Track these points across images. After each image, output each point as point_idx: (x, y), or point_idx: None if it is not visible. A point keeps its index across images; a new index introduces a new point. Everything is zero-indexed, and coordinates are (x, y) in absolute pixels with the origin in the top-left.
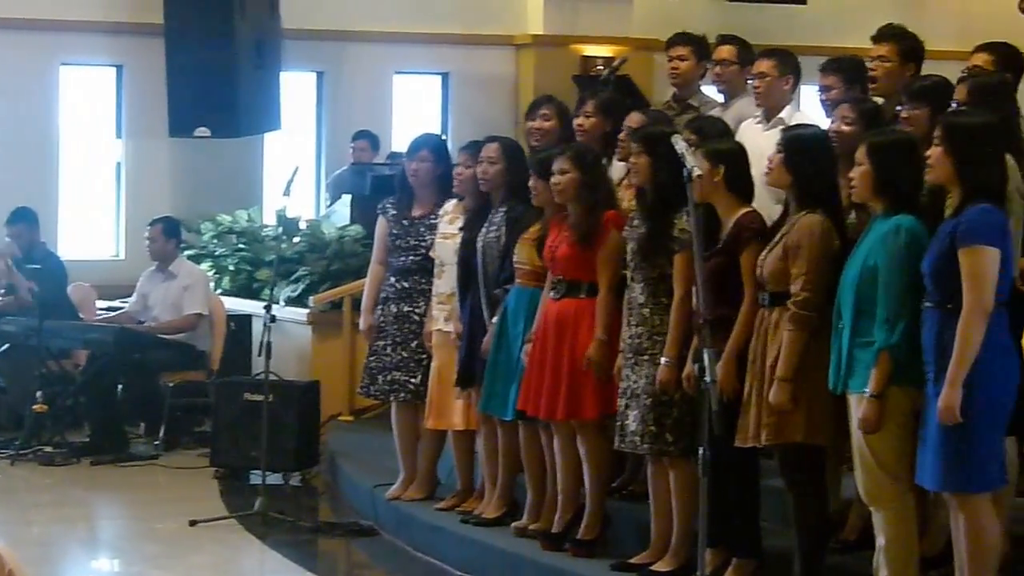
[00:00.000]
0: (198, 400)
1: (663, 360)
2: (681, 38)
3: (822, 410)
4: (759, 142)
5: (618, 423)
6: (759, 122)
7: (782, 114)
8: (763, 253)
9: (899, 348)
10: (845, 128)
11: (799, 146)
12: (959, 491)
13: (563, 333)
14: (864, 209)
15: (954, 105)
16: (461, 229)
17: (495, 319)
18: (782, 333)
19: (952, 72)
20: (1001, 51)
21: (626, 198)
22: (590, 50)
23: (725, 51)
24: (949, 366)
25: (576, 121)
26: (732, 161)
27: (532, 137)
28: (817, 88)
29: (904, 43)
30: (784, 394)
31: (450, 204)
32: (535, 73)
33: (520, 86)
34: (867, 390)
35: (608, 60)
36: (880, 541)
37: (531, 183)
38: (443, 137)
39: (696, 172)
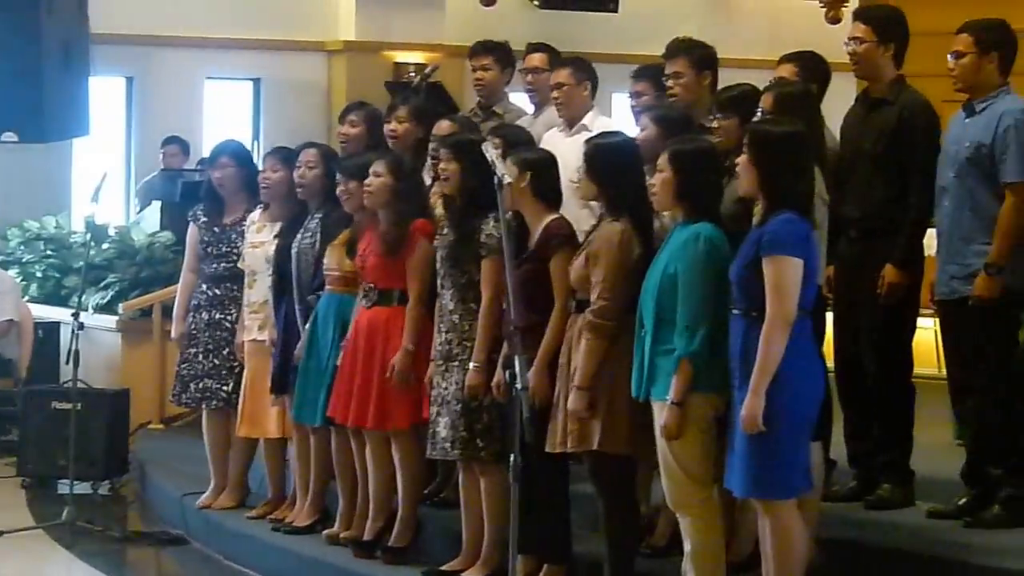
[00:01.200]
0: (5, 409)
1: (472, 365)
2: (484, 47)
3: (621, 418)
4: (562, 149)
5: (430, 430)
6: (562, 129)
7: (584, 120)
8: (572, 259)
9: (699, 355)
10: (651, 135)
11: (602, 156)
12: (766, 497)
13: (374, 341)
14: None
15: (760, 114)
16: (276, 237)
17: (307, 326)
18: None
19: (761, 80)
20: (807, 61)
21: (436, 206)
22: (402, 57)
23: (536, 59)
24: (752, 373)
25: (389, 127)
26: (540, 169)
27: (341, 142)
28: (628, 95)
29: (695, 54)
30: (581, 402)
31: (256, 213)
32: (347, 79)
33: (332, 92)
34: (668, 397)
35: (420, 67)
36: (688, 546)
37: (341, 187)
38: (255, 142)
39: (507, 179)
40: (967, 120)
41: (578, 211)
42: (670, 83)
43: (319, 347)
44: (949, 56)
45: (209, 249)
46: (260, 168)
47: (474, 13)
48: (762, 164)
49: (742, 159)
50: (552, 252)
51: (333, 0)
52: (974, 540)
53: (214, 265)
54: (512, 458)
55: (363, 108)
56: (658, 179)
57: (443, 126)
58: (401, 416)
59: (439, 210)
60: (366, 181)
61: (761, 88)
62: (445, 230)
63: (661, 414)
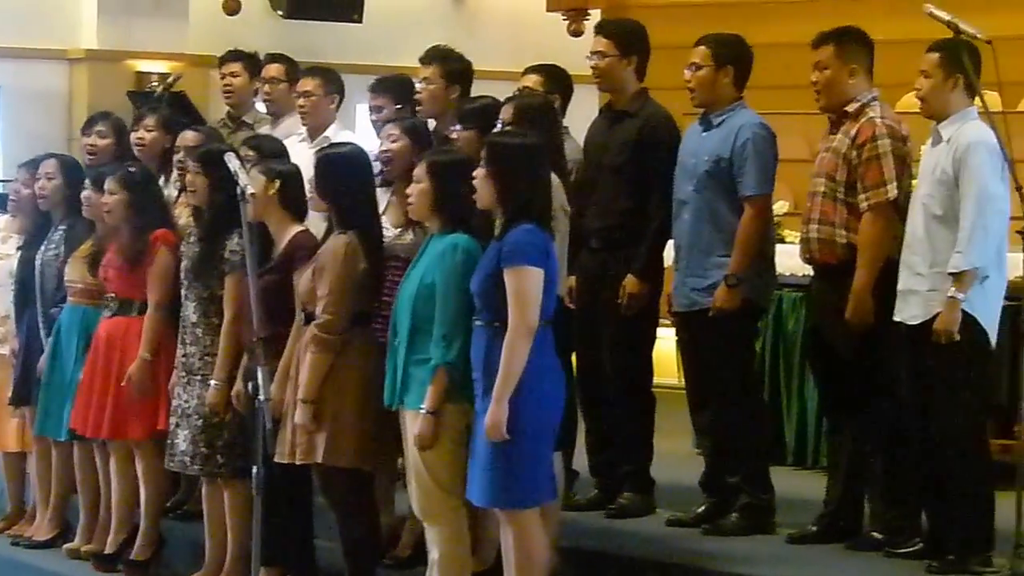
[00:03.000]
0: None
1: (213, 382)
2: (233, 55)
3: (347, 431)
4: (304, 160)
5: (169, 441)
6: (303, 140)
7: (327, 132)
8: (301, 271)
9: (455, 365)
10: (393, 146)
11: (331, 167)
12: (509, 507)
13: (112, 351)
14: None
15: (499, 126)
16: (19, 248)
17: (50, 338)
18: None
19: (505, 91)
20: (550, 73)
21: (183, 215)
22: (145, 66)
23: (273, 69)
24: (495, 383)
25: (136, 135)
26: (288, 180)
27: (87, 153)
28: (368, 108)
29: (449, 65)
30: (306, 415)
31: (0, 222)
32: (89, 88)
33: (73, 101)
34: (423, 407)
35: (163, 76)
36: (433, 556)
37: (83, 196)
38: None
39: (250, 190)
40: (704, 133)
41: (319, 224)
42: (419, 87)
43: (63, 359)
44: (686, 69)
45: None
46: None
47: (217, 22)
48: (499, 176)
49: (480, 171)
50: (296, 264)
51: (74, 8)
52: (712, 547)
53: None
54: (254, 470)
55: (108, 118)
56: (415, 189)
57: (188, 136)
58: (137, 426)
59: (183, 220)
60: (102, 200)
61: (503, 100)
62: (192, 239)
63: (414, 423)
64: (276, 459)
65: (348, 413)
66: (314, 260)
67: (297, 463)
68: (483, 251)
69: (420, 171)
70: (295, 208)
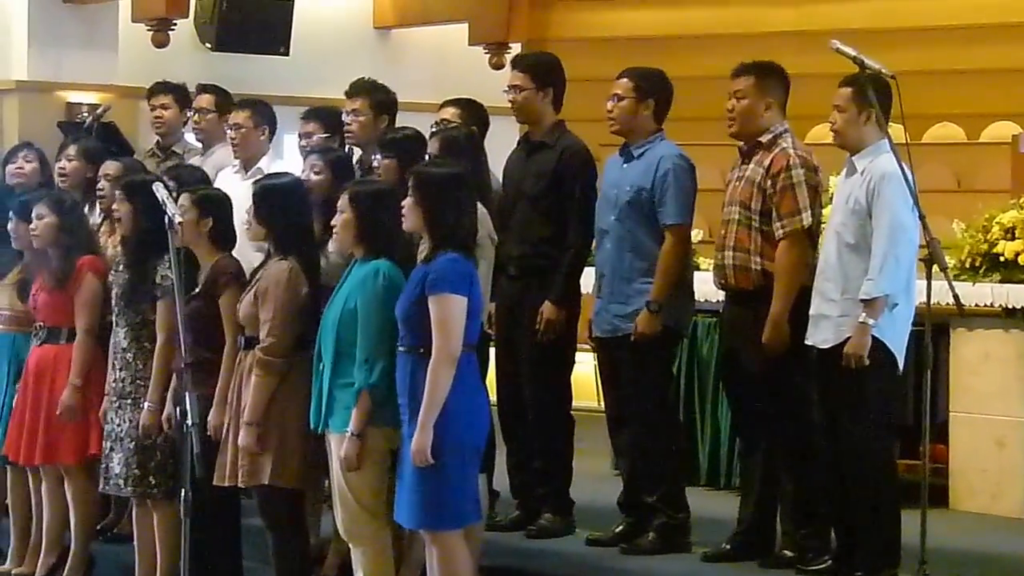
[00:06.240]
0: None
1: (146, 404)
2: (162, 87)
3: (293, 453)
4: (238, 192)
5: (103, 465)
6: (237, 171)
7: (260, 164)
8: (241, 297)
9: (378, 389)
10: (315, 177)
11: (269, 196)
12: (435, 529)
13: (42, 378)
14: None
15: (428, 157)
16: None
17: None
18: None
19: (427, 122)
20: (467, 105)
21: (110, 245)
22: (75, 96)
23: (204, 100)
24: (420, 409)
25: (59, 165)
26: (215, 208)
27: (11, 181)
28: (297, 136)
29: (376, 96)
30: (251, 437)
31: None
32: (19, 118)
33: (3, 132)
34: (348, 429)
35: (93, 107)
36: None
37: (11, 227)
38: None
39: (177, 218)
40: (625, 165)
41: (252, 253)
42: (348, 119)
43: None
44: (608, 100)
45: None
46: None
47: (147, 54)
48: (426, 204)
49: (408, 200)
50: (220, 290)
51: (5, 39)
52: (630, 566)
53: None
54: (183, 493)
55: (31, 148)
56: (339, 220)
57: (110, 166)
58: (69, 451)
59: (111, 250)
60: (31, 224)
61: (424, 131)
62: (121, 267)
63: (339, 446)
64: (215, 483)
65: (293, 435)
66: (253, 285)
67: (240, 486)
68: (407, 276)
69: (343, 202)
70: (223, 236)
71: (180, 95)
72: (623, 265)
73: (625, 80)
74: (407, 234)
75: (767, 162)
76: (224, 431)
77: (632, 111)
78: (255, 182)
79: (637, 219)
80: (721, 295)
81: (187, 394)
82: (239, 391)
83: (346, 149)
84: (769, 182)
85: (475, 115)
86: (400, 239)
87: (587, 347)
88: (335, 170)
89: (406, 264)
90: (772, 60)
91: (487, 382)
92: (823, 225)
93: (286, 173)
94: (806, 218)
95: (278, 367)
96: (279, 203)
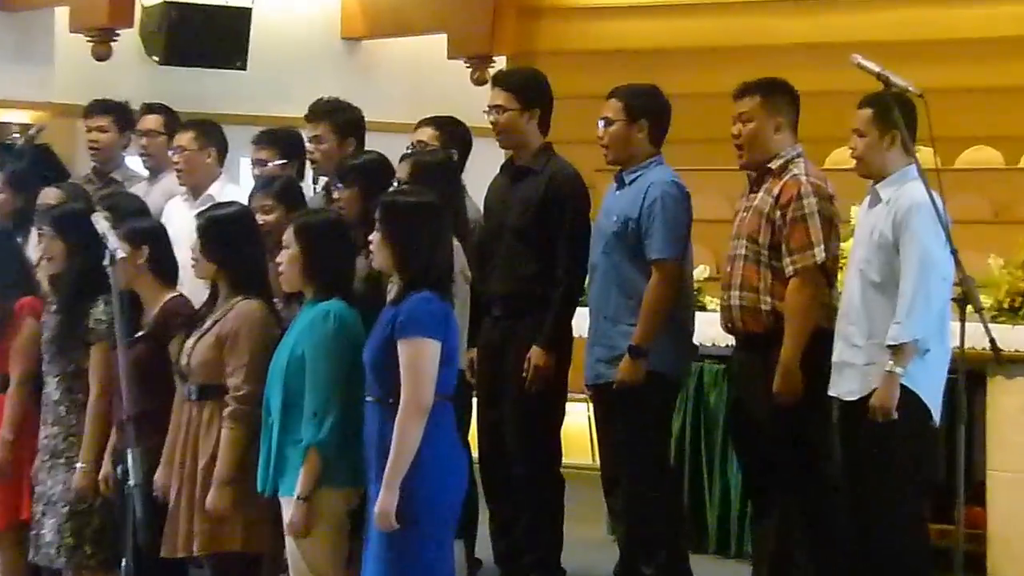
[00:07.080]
0: None
1: (79, 465)
2: (100, 107)
3: (260, 514)
4: (186, 222)
5: (33, 532)
6: (186, 199)
7: (210, 190)
8: (190, 341)
9: (328, 445)
10: (266, 218)
11: (217, 229)
12: None
13: None
14: None
15: (396, 184)
16: None
17: None
18: (216, 431)
19: (402, 144)
20: (446, 125)
21: (44, 282)
22: (5, 115)
23: (151, 121)
24: (387, 466)
25: None
26: (154, 241)
27: None
28: (251, 162)
29: (338, 117)
30: (225, 498)
31: None
32: None
33: None
34: (295, 492)
35: (25, 127)
36: None
37: None
38: None
39: (120, 254)
40: (617, 192)
41: (194, 287)
42: (311, 147)
43: None
44: (599, 123)
45: None
46: None
47: (86, 69)
48: (395, 238)
49: (375, 234)
50: (172, 334)
51: None
52: None
53: None
54: (124, 564)
55: None
56: (284, 256)
57: (49, 195)
58: None
59: (46, 287)
60: None
61: (393, 155)
62: (53, 308)
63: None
64: (164, 554)
65: (259, 493)
66: (209, 327)
67: (196, 554)
68: (368, 317)
69: (288, 236)
70: (165, 272)
71: (120, 115)
72: (608, 304)
73: (614, 101)
74: (376, 272)
75: (776, 190)
76: (174, 496)
77: (624, 135)
78: (198, 214)
79: (623, 253)
80: (731, 339)
81: (129, 450)
82: (193, 449)
83: (311, 179)
84: (778, 213)
85: (455, 136)
86: (352, 277)
87: (580, 396)
88: (285, 202)
89: (373, 305)
90: (778, 76)
91: (468, 436)
92: (843, 261)
93: (233, 202)
94: (819, 253)
95: (254, 417)
96: (227, 236)
